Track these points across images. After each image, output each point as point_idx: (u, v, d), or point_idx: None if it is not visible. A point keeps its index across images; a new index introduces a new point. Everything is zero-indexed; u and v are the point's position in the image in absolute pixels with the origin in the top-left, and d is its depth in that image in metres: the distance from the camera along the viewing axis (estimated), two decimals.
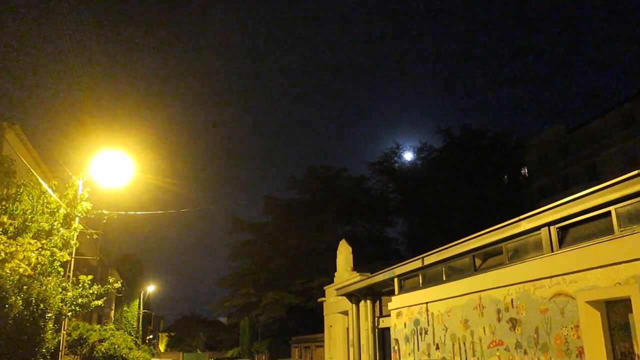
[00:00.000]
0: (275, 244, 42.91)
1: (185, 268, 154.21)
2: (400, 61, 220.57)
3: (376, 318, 20.89)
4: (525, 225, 11.00)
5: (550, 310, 10.04)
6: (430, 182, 38.64)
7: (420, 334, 15.30)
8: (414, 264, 15.92)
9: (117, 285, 15.27)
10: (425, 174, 40.09)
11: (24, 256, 10.04)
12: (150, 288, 53.78)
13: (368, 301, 21.19)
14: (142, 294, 49.19)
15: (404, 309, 16.49)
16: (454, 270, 14.31)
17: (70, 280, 14.43)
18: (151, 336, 63.15)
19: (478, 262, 13.22)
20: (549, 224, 10.40)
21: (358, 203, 42.45)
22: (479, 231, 12.73)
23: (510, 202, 34.70)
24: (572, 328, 9.43)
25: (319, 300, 28.60)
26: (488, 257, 13.04)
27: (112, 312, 42.42)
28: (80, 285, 14.11)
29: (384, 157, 42.98)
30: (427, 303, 15.06)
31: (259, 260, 44.03)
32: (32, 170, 12.97)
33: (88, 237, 19.76)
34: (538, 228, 10.72)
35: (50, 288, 11.11)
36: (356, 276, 22.49)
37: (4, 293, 9.23)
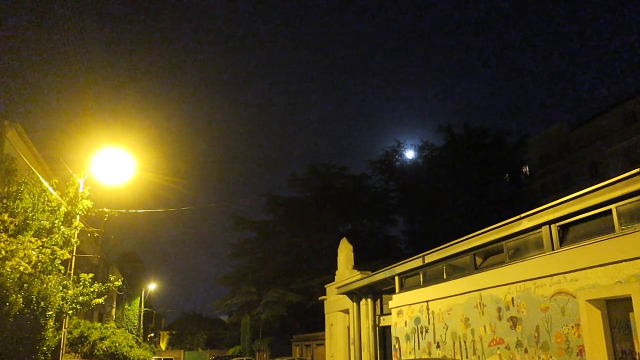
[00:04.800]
0: (276, 242, 42.91)
1: (186, 266, 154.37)
2: (402, 59, 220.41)
3: (377, 316, 20.89)
4: (526, 224, 10.98)
5: (550, 308, 10.03)
6: (431, 181, 38.57)
7: (421, 332, 15.29)
8: (415, 262, 15.91)
9: (118, 283, 15.28)
10: (426, 172, 40.01)
11: (25, 254, 10.06)
12: (152, 286, 53.83)
13: (369, 299, 21.19)
14: (143, 292, 49.24)
15: (405, 307, 16.49)
16: (454, 268, 14.30)
17: (71, 279, 14.45)
18: (152, 334, 63.22)
19: (479, 260, 13.21)
20: (549, 222, 10.38)
21: (359, 201, 42.40)
22: (480, 229, 12.71)
23: (512, 200, 34.64)
24: (572, 326, 9.42)
25: (320, 298, 28.60)
26: (489, 256, 13.03)
27: (114, 310, 42.46)
28: (81, 284, 14.13)
29: (385, 156, 42.93)
30: (427, 301, 15.05)
31: (260, 259, 44.03)
32: (32, 168, 12.98)
33: (89, 235, 19.80)
34: (539, 226, 10.70)
35: (51, 286, 11.12)
36: (357, 274, 22.48)
37: (5, 291, 9.24)
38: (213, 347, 68.06)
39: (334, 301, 25.60)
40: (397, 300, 17.16)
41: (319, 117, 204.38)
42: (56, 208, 12.88)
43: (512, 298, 11.24)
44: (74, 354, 20.79)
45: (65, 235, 13.05)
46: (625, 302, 8.60)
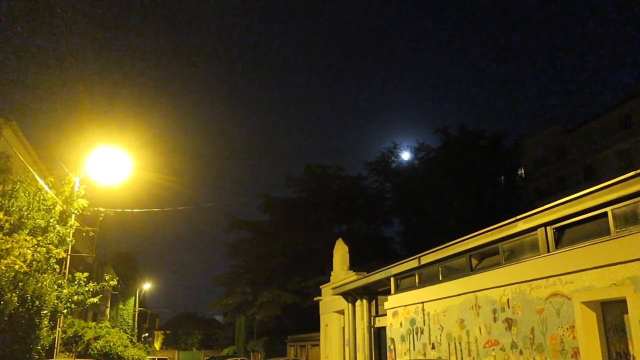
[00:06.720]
0: (271, 242, 42.85)
1: (181, 266, 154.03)
2: (399, 60, 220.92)
3: (372, 317, 20.90)
4: (521, 226, 11.02)
5: (546, 310, 10.07)
6: (427, 182, 38.66)
7: (416, 333, 15.32)
8: (411, 263, 15.93)
9: (113, 282, 15.26)
10: (422, 174, 40.12)
11: (20, 253, 10.02)
12: (147, 286, 53.62)
13: (364, 300, 21.20)
14: (138, 292, 49.06)
15: (400, 308, 16.51)
16: (450, 270, 14.33)
17: (66, 278, 14.40)
18: (147, 334, 63.00)
19: (474, 262, 13.24)
20: (545, 225, 10.43)
21: (355, 202, 42.47)
22: (476, 231, 12.74)
23: (507, 202, 34.80)
24: (567, 328, 9.46)
25: (315, 299, 28.60)
26: (484, 257, 13.07)
27: (108, 309, 42.25)
28: (76, 283, 14.10)
29: (381, 157, 43.07)
30: (423, 303, 15.07)
31: (256, 259, 43.99)
32: (28, 166, 12.94)
33: (84, 234, 19.69)
34: (534, 228, 10.74)
35: (45, 285, 11.08)
36: (352, 275, 22.48)
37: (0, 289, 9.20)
38: (207, 347, 67.98)
39: (329, 302, 25.60)
40: (392, 301, 17.17)
41: (316, 118, 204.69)
42: (51, 207, 12.85)
43: (508, 300, 11.28)
44: (68, 354, 20.69)
45: (61, 234, 13.02)
46: (620, 305, 8.65)
